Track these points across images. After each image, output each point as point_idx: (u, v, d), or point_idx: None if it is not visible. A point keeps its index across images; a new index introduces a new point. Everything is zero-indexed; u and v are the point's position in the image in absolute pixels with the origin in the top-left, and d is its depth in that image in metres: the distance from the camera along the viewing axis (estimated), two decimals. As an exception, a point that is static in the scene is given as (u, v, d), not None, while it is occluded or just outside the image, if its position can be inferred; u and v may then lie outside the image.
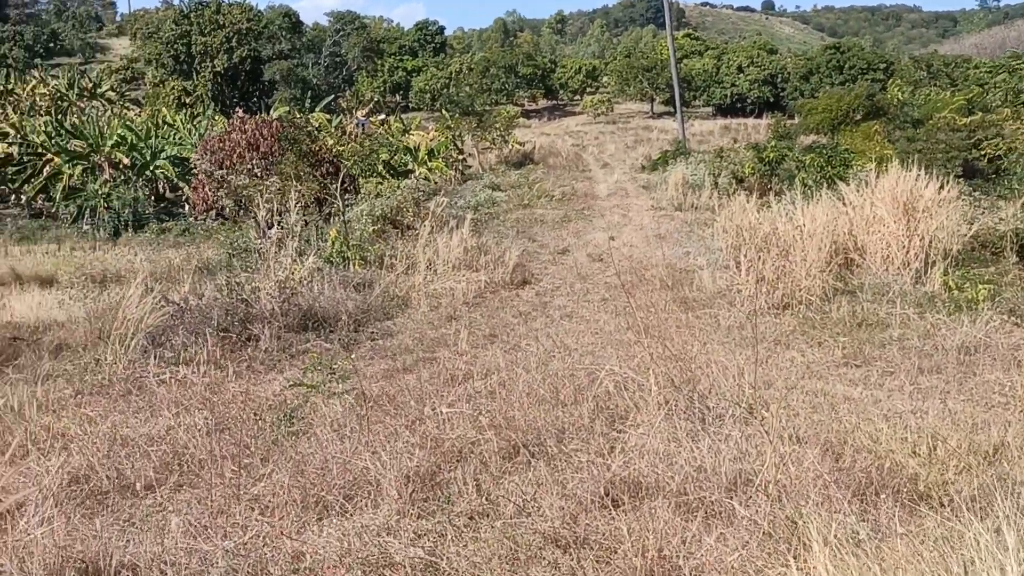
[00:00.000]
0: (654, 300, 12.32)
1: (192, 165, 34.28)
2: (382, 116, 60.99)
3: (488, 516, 5.54)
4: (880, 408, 7.58)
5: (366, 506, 5.69)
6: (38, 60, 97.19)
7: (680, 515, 5.36)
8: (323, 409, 7.71)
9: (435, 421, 7.17)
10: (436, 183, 35.05)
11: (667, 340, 8.30)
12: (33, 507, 5.22)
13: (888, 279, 13.14)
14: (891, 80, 63.82)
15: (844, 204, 15.26)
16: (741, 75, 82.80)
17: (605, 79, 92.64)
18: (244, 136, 26.11)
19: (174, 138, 42.74)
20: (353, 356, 10.18)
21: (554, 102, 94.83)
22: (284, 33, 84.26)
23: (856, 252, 14.18)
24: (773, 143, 29.63)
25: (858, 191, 15.50)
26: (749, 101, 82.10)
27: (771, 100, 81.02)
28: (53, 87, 71.98)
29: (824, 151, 28.31)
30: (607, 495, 5.67)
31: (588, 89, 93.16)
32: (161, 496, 6.00)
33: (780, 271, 12.68)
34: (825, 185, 19.51)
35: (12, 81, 74.07)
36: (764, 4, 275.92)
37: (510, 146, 48.48)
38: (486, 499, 5.70)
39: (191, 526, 5.45)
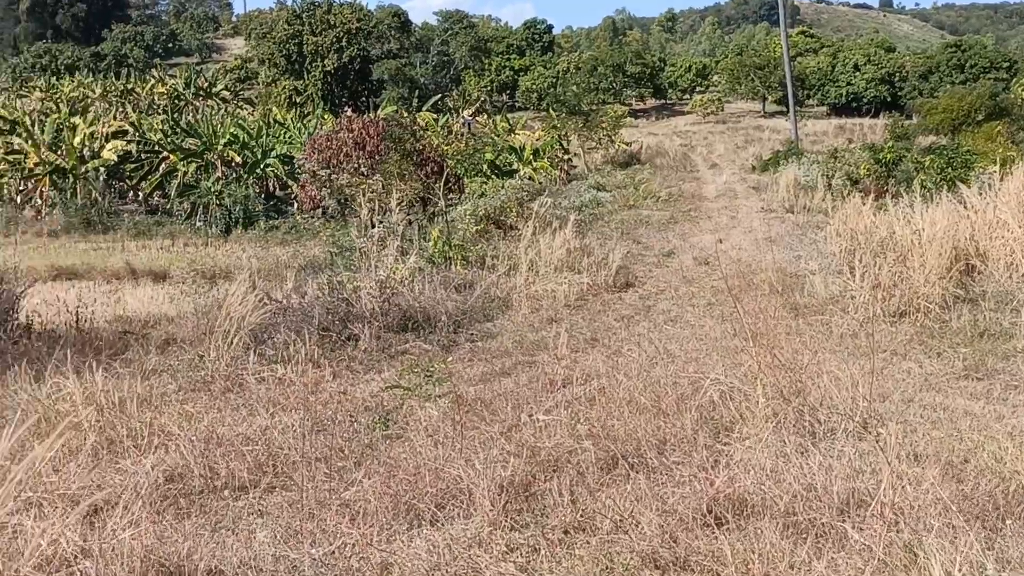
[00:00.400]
0: (763, 305, 11.90)
1: (299, 163, 34.90)
2: (475, 114, 61.13)
3: (584, 531, 5.31)
4: (1004, 425, 7.11)
5: (457, 516, 5.52)
6: (157, 60, 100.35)
7: (788, 537, 5.04)
8: (419, 413, 7.58)
9: (531, 428, 6.96)
10: (540, 183, 34.85)
11: (776, 348, 7.92)
12: (124, 506, 5.17)
13: (1012, 287, 12.47)
14: (1015, 80, 61.44)
15: (965, 208, 14.57)
16: (857, 74, 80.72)
17: (715, 78, 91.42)
18: (351, 135, 26.39)
19: (284, 137, 43.49)
20: (451, 358, 10.03)
21: (662, 101, 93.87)
22: (393, 32, 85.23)
23: (978, 258, 13.50)
24: (890, 144, 28.68)
25: (980, 194, 14.79)
26: (865, 100, 80.00)
27: (888, 100, 78.81)
28: (171, 86, 74.16)
29: (944, 152, 27.27)
30: (710, 512, 5.38)
31: (698, 88, 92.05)
32: (253, 498, 5.92)
33: (897, 277, 12.13)
34: (945, 188, 18.71)
35: (132, 80, 76.62)
36: (882, 1, 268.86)
37: (616, 146, 48.03)
38: (582, 513, 5.47)
39: (281, 530, 5.35)
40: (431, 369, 8.33)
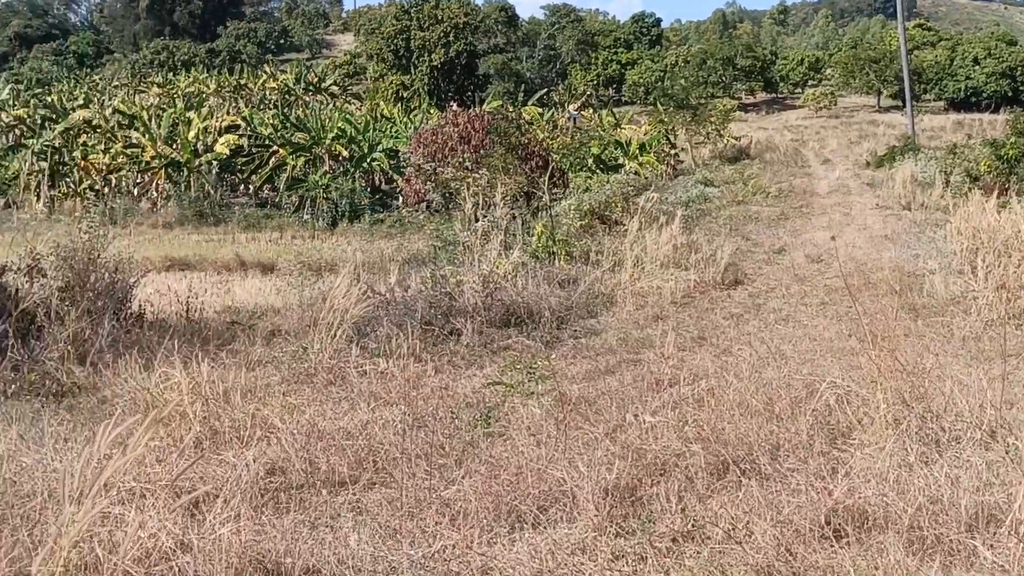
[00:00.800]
0: (879, 306, 11.43)
1: (404, 158, 35.10)
2: (581, 108, 60.78)
3: (693, 540, 5.06)
4: None
5: (561, 520, 5.32)
6: (269, 56, 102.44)
7: (913, 554, 4.73)
8: (521, 411, 7.41)
9: (637, 429, 6.72)
10: (646, 178, 34.41)
11: (896, 350, 7.52)
12: (224, 500, 5.11)
13: None
14: None
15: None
16: (976, 67, 77.88)
17: (828, 71, 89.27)
18: (456, 129, 26.40)
19: (390, 131, 43.85)
20: (554, 355, 9.85)
21: (773, 95, 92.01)
22: (500, 27, 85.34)
23: (1112, 259, 12.77)
24: (1012, 139, 27.42)
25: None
26: (984, 95, 77.10)
27: (1009, 94, 75.79)
28: (282, 82, 75.59)
29: (1071, 149, 25.99)
30: (828, 524, 5.08)
31: (810, 82, 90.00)
32: (353, 494, 5.82)
33: (1023, 278, 11.54)
34: (1074, 185, 17.79)
35: (245, 76, 78.31)
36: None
37: (725, 140, 47.24)
38: (691, 521, 5.22)
39: (379, 529, 5.24)
40: (534, 366, 8.16)
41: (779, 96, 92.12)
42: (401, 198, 35.87)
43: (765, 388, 7.61)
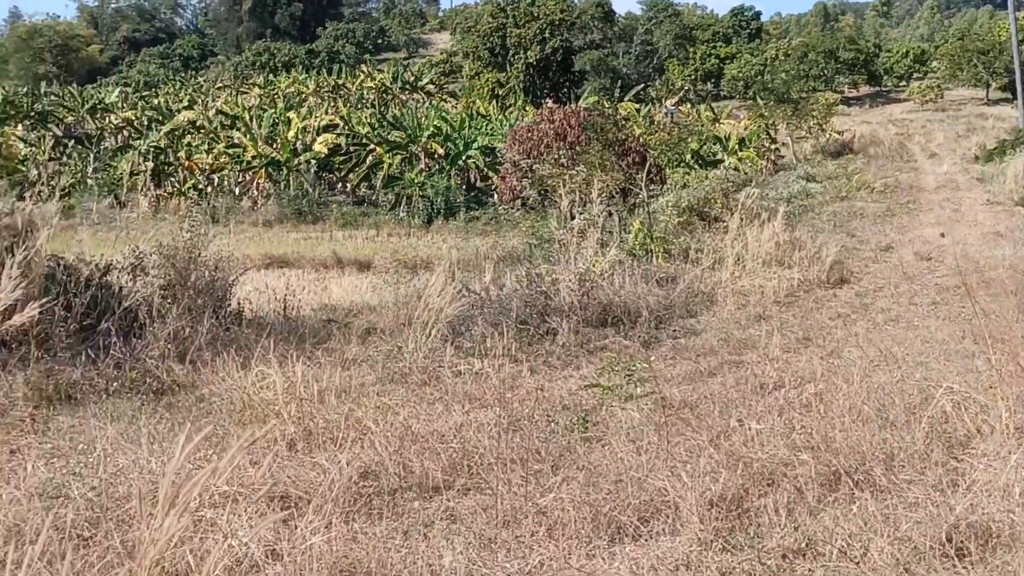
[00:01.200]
0: (996, 306, 10.88)
1: (500, 155, 35.01)
2: (679, 104, 60.01)
3: (805, 557, 4.77)
4: None
5: (663, 532, 5.08)
6: (367, 55, 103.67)
7: (1044, 577, 4.38)
8: (619, 414, 7.18)
9: (742, 436, 6.43)
10: (746, 173, 33.77)
11: (1018, 354, 7.08)
12: (316, 506, 5.00)
13: None
14: None
15: None
16: (1093, 57, 74.69)
17: (934, 64, 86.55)
18: (552, 126, 26.23)
19: (486, 129, 43.84)
20: (653, 356, 9.58)
21: (877, 88, 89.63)
22: (596, 23, 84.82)
23: None
24: None
25: None
26: (1101, 85, 73.92)
27: None
28: (379, 81, 76.32)
29: None
30: (949, 542, 4.73)
31: (915, 74, 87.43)
32: (446, 500, 5.66)
33: None
34: None
35: (343, 76, 79.32)
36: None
37: (827, 135, 46.17)
38: (803, 536, 4.93)
39: (474, 539, 5.06)
40: (632, 367, 7.91)
41: (883, 89, 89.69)
42: (496, 195, 35.82)
43: (877, 393, 7.24)
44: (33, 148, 45.35)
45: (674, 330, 11.14)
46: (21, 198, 11.72)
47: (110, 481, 5.30)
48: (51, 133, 49.74)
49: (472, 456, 6.26)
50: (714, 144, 41.84)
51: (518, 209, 24.09)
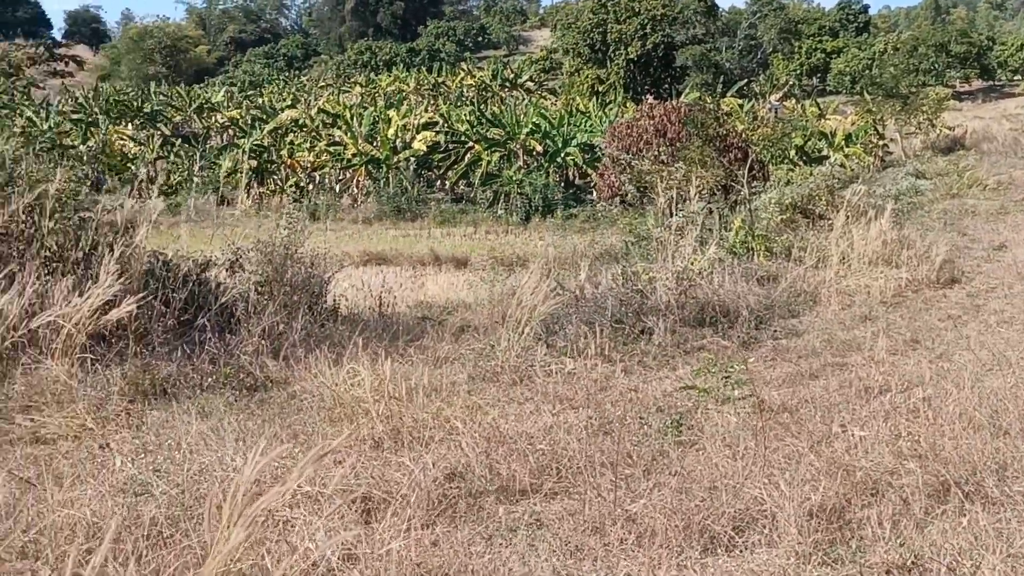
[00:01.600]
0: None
1: (599, 151, 34.72)
2: (783, 99, 58.82)
3: (910, 573, 4.50)
4: None
5: (759, 544, 4.84)
6: (467, 53, 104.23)
7: None
8: (715, 418, 6.93)
9: (844, 443, 6.14)
10: (852, 170, 32.80)
11: None
12: (398, 508, 4.90)
13: None
14: None
15: None
16: None
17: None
18: (652, 122, 25.90)
19: (585, 125, 43.50)
20: (752, 357, 9.28)
21: (990, 83, 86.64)
22: (698, 18, 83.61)
23: None
24: None
25: None
26: None
27: None
28: (479, 79, 76.64)
29: None
30: (1069, 561, 4.42)
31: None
32: (533, 504, 5.50)
33: None
34: None
35: (443, 74, 79.88)
36: None
37: (938, 131, 44.73)
38: (909, 551, 4.64)
39: (560, 545, 4.90)
40: (730, 369, 7.65)
41: (996, 84, 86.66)
42: (595, 192, 35.57)
43: (989, 399, 6.87)
44: (142, 147, 46.65)
45: (775, 331, 10.80)
46: (130, 195, 11.94)
47: (193, 479, 5.28)
48: (159, 132, 51.14)
49: (561, 459, 6.09)
50: (819, 140, 40.89)
51: (616, 206, 23.83)
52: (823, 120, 46.44)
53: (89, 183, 12.79)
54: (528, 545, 4.88)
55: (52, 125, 46.33)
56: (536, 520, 5.25)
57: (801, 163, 34.94)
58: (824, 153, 38.93)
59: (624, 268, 12.45)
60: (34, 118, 47.22)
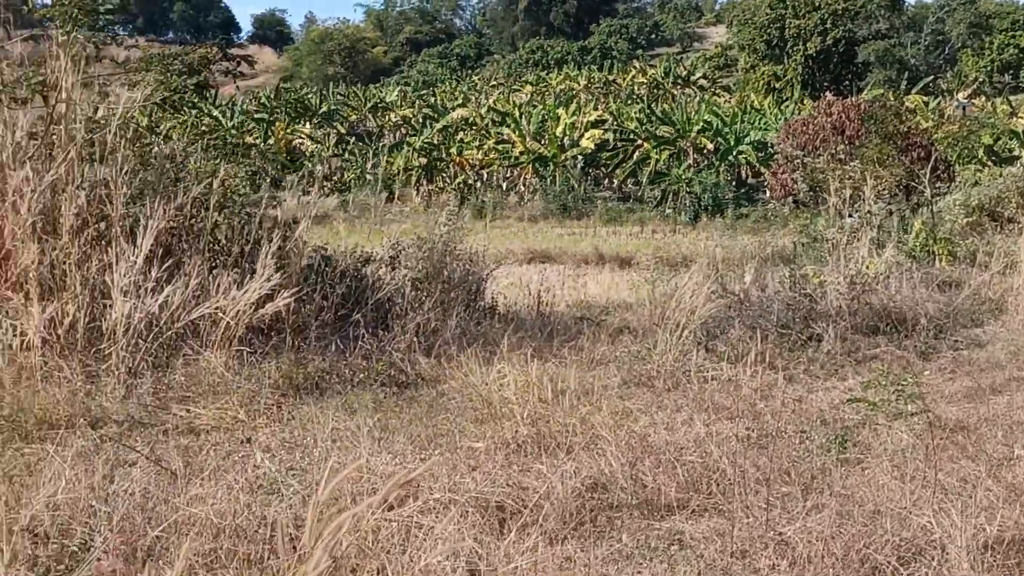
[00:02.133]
0: None
1: (773, 149, 33.74)
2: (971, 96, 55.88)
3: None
4: None
5: (925, 578, 4.39)
6: (639, 51, 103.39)
7: None
8: (884, 434, 6.42)
9: (1029, 468, 5.57)
10: (1047, 170, 30.86)
11: None
12: (531, 519, 4.66)
13: None
14: None
15: None
16: None
17: None
18: (829, 119, 25.02)
19: (759, 123, 42.46)
20: (928, 369, 8.65)
21: None
22: (882, 12, 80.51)
23: None
24: None
25: None
26: None
27: None
28: (650, 76, 75.97)
29: None
30: None
31: None
32: (679, 521, 5.16)
33: None
34: None
35: (615, 71, 79.51)
36: None
37: None
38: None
39: (704, 567, 4.56)
40: (903, 381, 7.10)
41: None
42: (767, 192, 34.63)
43: None
44: (318, 145, 48.16)
45: (955, 340, 10.08)
46: (304, 192, 12.18)
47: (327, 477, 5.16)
48: (335, 131, 52.68)
49: (712, 473, 5.72)
50: (1010, 139, 38.68)
51: (789, 206, 23.05)
52: (1015, 118, 43.93)
53: (258, 180, 13.12)
54: (669, 566, 4.56)
55: (236, 124, 48.41)
56: (679, 539, 4.91)
57: (990, 163, 33.12)
58: (1016, 153, 36.81)
59: (793, 270, 11.91)
60: (220, 117, 49.43)
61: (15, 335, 7.29)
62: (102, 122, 9.13)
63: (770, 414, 7.23)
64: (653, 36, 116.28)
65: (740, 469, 5.68)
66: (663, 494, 5.40)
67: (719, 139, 40.52)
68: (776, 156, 29.64)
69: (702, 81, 78.55)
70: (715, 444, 6.14)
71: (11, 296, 7.62)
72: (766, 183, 35.50)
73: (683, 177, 37.79)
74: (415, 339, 9.42)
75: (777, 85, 71.30)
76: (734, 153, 39.76)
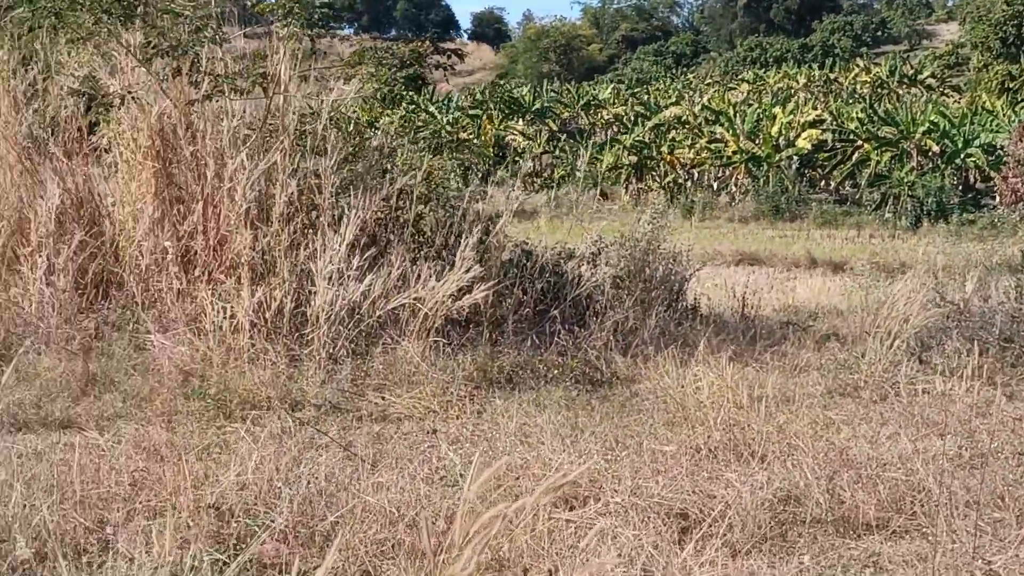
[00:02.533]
0: None
1: (1004, 152, 31.72)
2: None
3: None
4: None
5: None
6: (863, 48, 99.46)
7: None
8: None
9: None
10: None
11: None
12: (713, 532, 4.48)
13: None
14: None
15: None
16: None
17: None
18: (1069, 120, 23.26)
19: (991, 125, 39.97)
20: None
21: None
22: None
23: None
24: None
25: None
26: None
27: None
28: (874, 75, 73.02)
29: None
30: None
31: None
32: (877, 542, 4.86)
33: None
34: None
35: (836, 70, 76.82)
36: None
37: None
38: None
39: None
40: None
41: None
42: (997, 197, 32.61)
43: None
44: (530, 141, 48.77)
45: None
46: (515, 188, 12.33)
47: (505, 473, 5.14)
48: (547, 127, 53.22)
49: (916, 492, 5.37)
50: None
51: (1019, 213, 21.61)
52: None
53: (469, 175, 13.36)
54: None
55: (451, 120, 49.72)
56: (875, 561, 4.61)
57: None
58: None
59: (1020, 280, 11.13)
60: (435, 113, 50.87)
61: (225, 317, 7.66)
62: (316, 114, 9.49)
63: (985, 433, 6.73)
64: (879, 33, 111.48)
65: (948, 490, 5.30)
66: (861, 512, 5.10)
67: (946, 141, 38.37)
68: (1007, 160, 27.92)
69: (930, 80, 74.67)
70: (922, 462, 5.75)
71: (224, 280, 8.01)
72: (995, 188, 33.42)
73: (905, 180, 36.02)
74: (612, 337, 9.34)
75: (1012, 85, 66.94)
76: (961, 156, 37.58)
